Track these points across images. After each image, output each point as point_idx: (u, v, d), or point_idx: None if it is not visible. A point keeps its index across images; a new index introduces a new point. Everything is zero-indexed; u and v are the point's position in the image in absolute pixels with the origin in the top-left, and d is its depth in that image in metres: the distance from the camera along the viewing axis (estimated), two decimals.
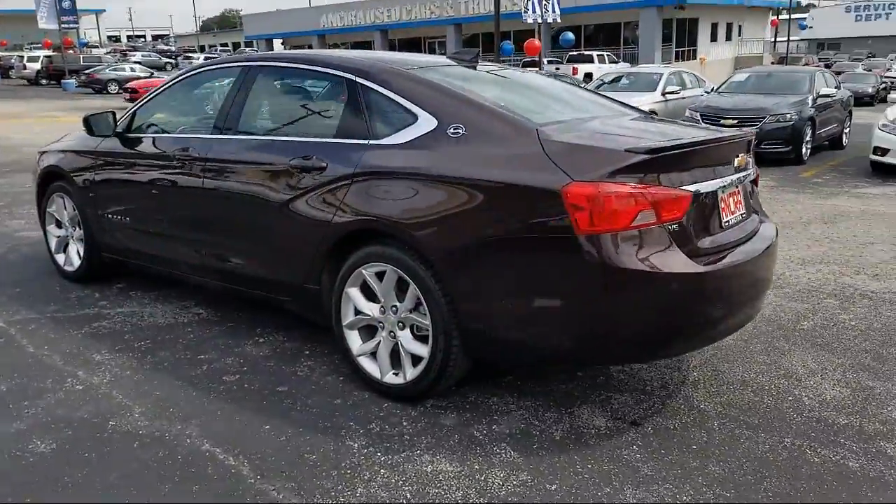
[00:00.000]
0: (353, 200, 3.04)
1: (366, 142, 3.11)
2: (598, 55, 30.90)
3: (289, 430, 2.89)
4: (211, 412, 3.04)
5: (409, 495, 2.46)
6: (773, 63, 39.52)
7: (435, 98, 3.03)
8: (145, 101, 4.27)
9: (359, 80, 3.25)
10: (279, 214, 3.36)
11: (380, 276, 3.04)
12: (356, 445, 2.77)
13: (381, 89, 3.17)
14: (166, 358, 3.59)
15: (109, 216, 4.34)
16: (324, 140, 3.29)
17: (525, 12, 19.51)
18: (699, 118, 10.67)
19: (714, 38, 38.61)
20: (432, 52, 45.89)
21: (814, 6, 77.53)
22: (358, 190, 3.03)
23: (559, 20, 20.79)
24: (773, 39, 43.45)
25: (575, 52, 31.49)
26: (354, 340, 3.21)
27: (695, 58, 36.44)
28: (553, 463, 2.64)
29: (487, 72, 3.68)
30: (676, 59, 34.97)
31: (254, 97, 3.68)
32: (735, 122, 10.43)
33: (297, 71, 3.67)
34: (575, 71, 27.15)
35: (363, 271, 3.07)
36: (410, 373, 3.01)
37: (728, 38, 40.05)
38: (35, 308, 4.33)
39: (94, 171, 4.39)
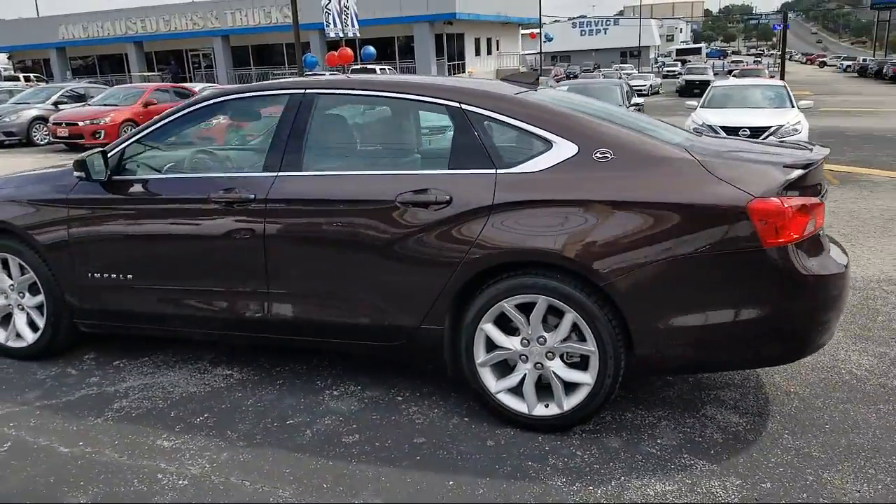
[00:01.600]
0: (496, 232, 2.92)
1: (493, 171, 3.01)
2: (380, 69, 31.50)
3: (476, 482, 2.71)
4: (372, 478, 2.74)
5: None
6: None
7: (567, 123, 3.03)
8: (137, 136, 3.62)
9: (468, 107, 3.12)
10: (386, 255, 3.10)
11: (522, 307, 2.97)
12: (560, 483, 2.69)
13: (499, 116, 3.08)
14: (252, 430, 3.13)
15: (99, 276, 3.63)
16: (436, 172, 3.11)
17: (327, 26, 19.37)
18: None
19: (478, 52, 41.44)
20: (196, 65, 43.41)
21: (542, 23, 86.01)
22: (500, 221, 2.92)
23: (358, 34, 20.93)
24: (523, 53, 47.81)
25: (358, 66, 31.82)
26: (489, 378, 3.08)
27: (464, 70, 38.80)
28: (744, 463, 2.81)
29: (556, 94, 3.71)
30: (449, 71, 36.93)
31: (319, 128, 3.33)
32: None
33: (375, 99, 3.40)
34: None
35: (505, 304, 2.97)
36: (568, 402, 2.98)
37: (489, 52, 43.22)
38: (8, 399, 3.48)
39: (69, 224, 3.64)
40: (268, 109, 3.68)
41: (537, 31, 44.84)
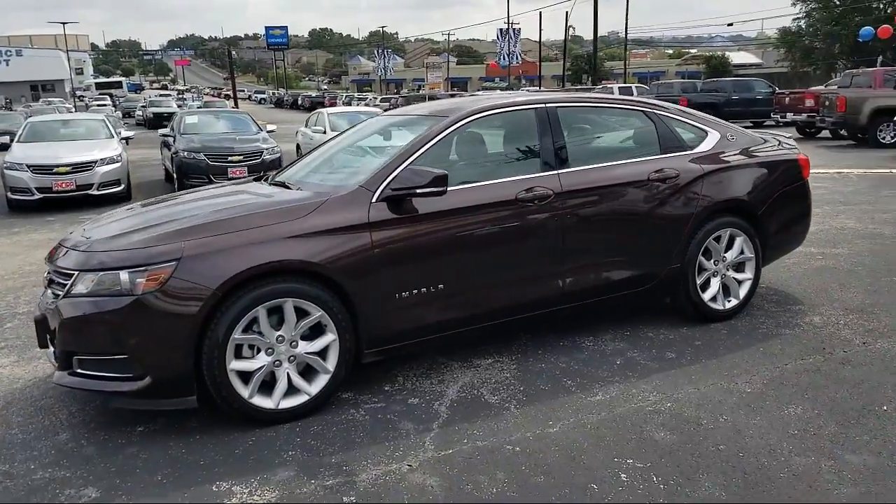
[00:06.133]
0: (707, 192, 4.44)
1: (688, 153, 4.50)
2: None
3: (766, 349, 4.24)
4: (721, 364, 3.98)
5: None
6: None
7: (707, 118, 4.74)
8: (421, 151, 3.69)
9: (658, 112, 4.50)
10: (645, 218, 4.27)
11: (717, 239, 4.56)
12: (792, 331, 4.44)
13: (676, 117, 4.58)
14: (625, 371, 3.87)
15: (408, 294, 3.57)
16: (661, 156, 4.39)
17: None
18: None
19: None
20: None
21: None
22: (709, 183, 4.45)
23: None
24: None
25: None
26: (700, 293, 4.56)
27: None
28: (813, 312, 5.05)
29: None
30: None
31: (568, 132, 4.12)
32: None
33: (599, 109, 4.37)
34: None
35: (710, 240, 4.51)
36: (742, 293, 4.71)
37: None
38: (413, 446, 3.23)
39: (373, 247, 3.46)
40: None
41: None
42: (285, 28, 74.75)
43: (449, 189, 3.71)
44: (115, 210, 4.24)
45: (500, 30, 42.60)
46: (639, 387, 3.70)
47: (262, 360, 3.31)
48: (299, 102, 61.50)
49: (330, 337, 3.42)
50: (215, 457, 3.10)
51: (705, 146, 4.63)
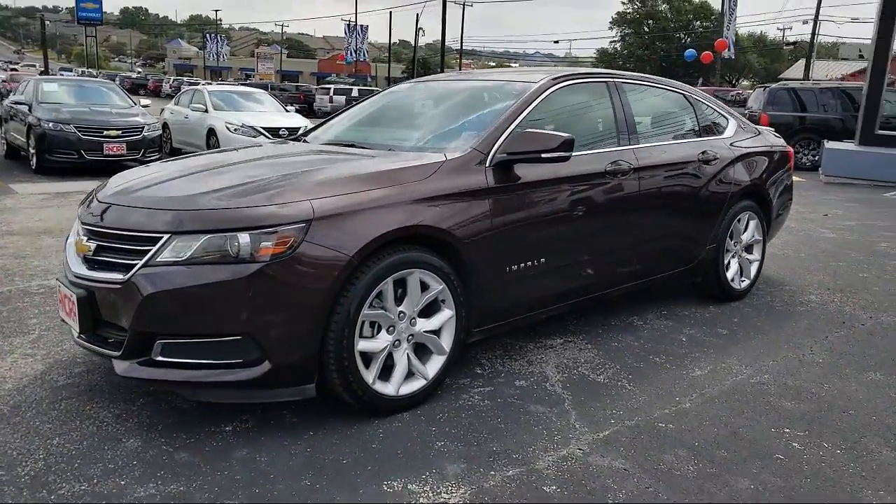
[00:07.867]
0: (738, 174, 4.61)
1: (720, 137, 4.62)
2: None
3: (773, 324, 4.47)
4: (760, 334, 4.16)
5: None
6: None
7: (727, 107, 4.87)
8: (518, 119, 3.41)
9: (693, 96, 4.59)
10: (694, 197, 4.32)
11: (740, 220, 4.74)
12: (806, 307, 4.72)
13: (707, 103, 4.69)
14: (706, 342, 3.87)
15: (517, 267, 3.31)
16: (703, 139, 4.47)
17: None
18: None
19: None
20: None
21: None
22: (738, 167, 4.61)
23: None
24: None
25: None
26: (726, 272, 4.70)
27: None
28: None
29: None
30: None
31: (633, 109, 4.03)
32: None
33: (651, 88, 4.35)
34: None
35: (735, 220, 4.68)
36: (752, 273, 4.93)
37: None
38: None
39: (492, 216, 3.15)
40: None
41: None
42: (99, 2, 67.97)
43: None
44: (161, 163, 3.51)
45: (348, 24, 41.88)
46: (724, 361, 3.72)
47: (385, 339, 2.88)
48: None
49: (447, 313, 3.06)
50: (354, 454, 2.63)
51: (730, 132, 4.79)
